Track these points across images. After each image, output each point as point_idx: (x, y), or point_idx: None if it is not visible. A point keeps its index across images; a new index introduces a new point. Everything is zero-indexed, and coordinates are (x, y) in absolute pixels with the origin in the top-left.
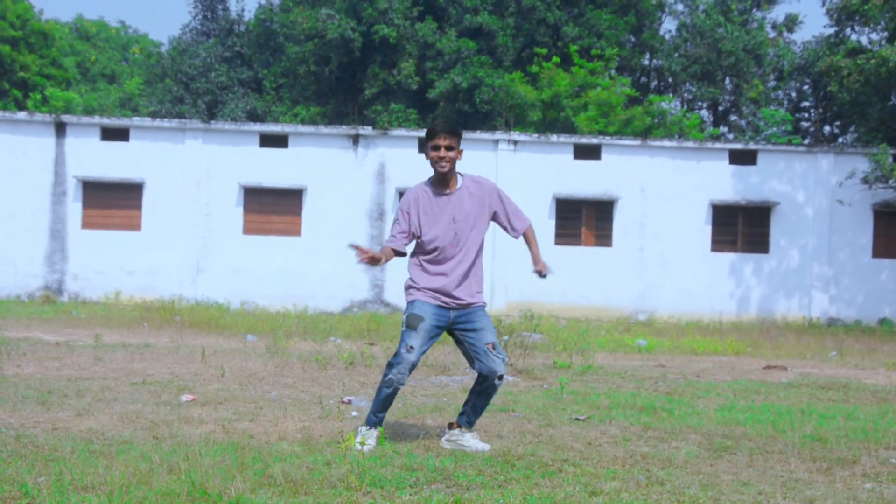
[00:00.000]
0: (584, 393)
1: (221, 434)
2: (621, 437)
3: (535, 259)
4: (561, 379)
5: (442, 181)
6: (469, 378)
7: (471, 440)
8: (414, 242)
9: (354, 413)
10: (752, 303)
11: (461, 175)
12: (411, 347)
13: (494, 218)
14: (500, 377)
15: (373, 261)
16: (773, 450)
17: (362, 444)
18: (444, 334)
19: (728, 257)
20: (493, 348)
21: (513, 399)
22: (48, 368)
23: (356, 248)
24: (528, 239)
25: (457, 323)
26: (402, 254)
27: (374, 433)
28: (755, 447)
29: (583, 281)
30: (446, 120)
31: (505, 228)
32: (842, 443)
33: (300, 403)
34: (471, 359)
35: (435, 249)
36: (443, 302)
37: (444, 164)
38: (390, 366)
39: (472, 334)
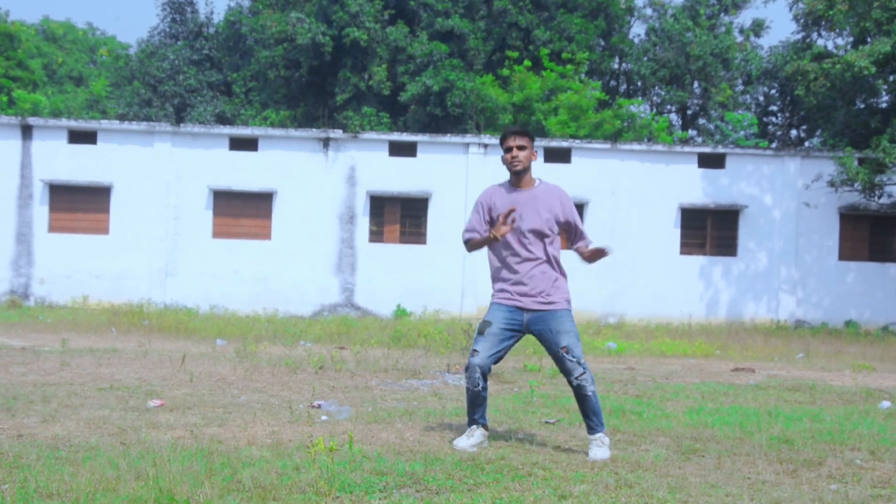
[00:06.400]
0: (554, 396)
1: (190, 439)
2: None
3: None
4: (531, 382)
5: (517, 181)
6: (440, 382)
7: (593, 449)
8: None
9: (324, 417)
10: (720, 305)
11: (538, 180)
12: (475, 351)
13: (564, 227)
14: (578, 377)
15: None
16: (740, 452)
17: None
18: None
19: (697, 260)
20: (567, 352)
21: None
22: (13, 374)
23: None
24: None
25: (532, 325)
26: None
27: (478, 430)
28: (723, 449)
29: None
30: (512, 125)
31: (569, 240)
32: (808, 444)
33: (270, 408)
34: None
35: (502, 245)
36: (517, 303)
37: (517, 163)
38: (465, 370)
39: (548, 336)
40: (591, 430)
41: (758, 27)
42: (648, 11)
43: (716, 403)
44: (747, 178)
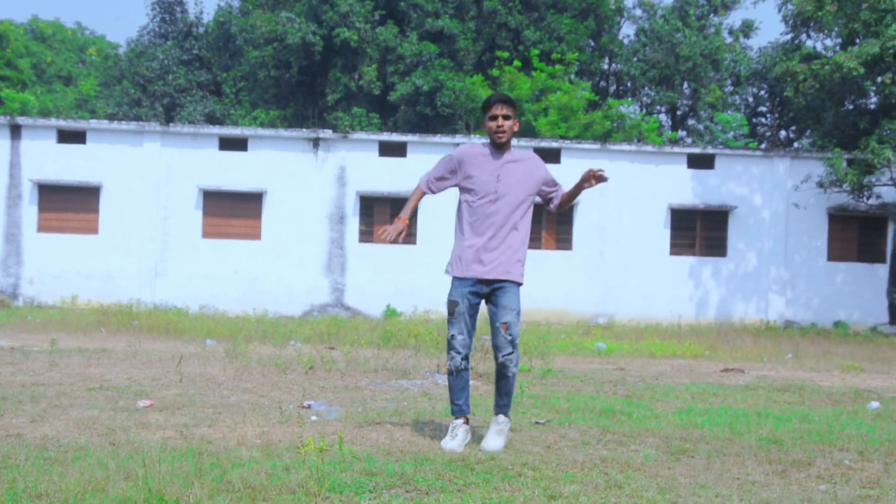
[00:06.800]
0: (544, 396)
1: (179, 440)
2: (580, 440)
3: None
4: (521, 383)
5: (499, 149)
6: (429, 382)
7: (488, 436)
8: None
9: (314, 418)
10: (710, 306)
11: (512, 148)
12: (453, 336)
13: (540, 192)
14: (506, 356)
15: (399, 233)
16: (730, 452)
17: (453, 438)
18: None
19: (687, 260)
20: (506, 328)
21: (472, 403)
22: (2, 374)
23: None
24: (567, 192)
25: (489, 295)
26: (432, 191)
27: (461, 426)
28: (712, 450)
29: (543, 284)
30: (497, 93)
31: (549, 201)
32: (797, 445)
33: (259, 408)
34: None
35: (473, 199)
36: (474, 274)
37: (501, 133)
38: (447, 352)
39: (494, 309)
40: (499, 409)
41: (747, 28)
42: (638, 12)
43: (705, 404)
44: (737, 178)
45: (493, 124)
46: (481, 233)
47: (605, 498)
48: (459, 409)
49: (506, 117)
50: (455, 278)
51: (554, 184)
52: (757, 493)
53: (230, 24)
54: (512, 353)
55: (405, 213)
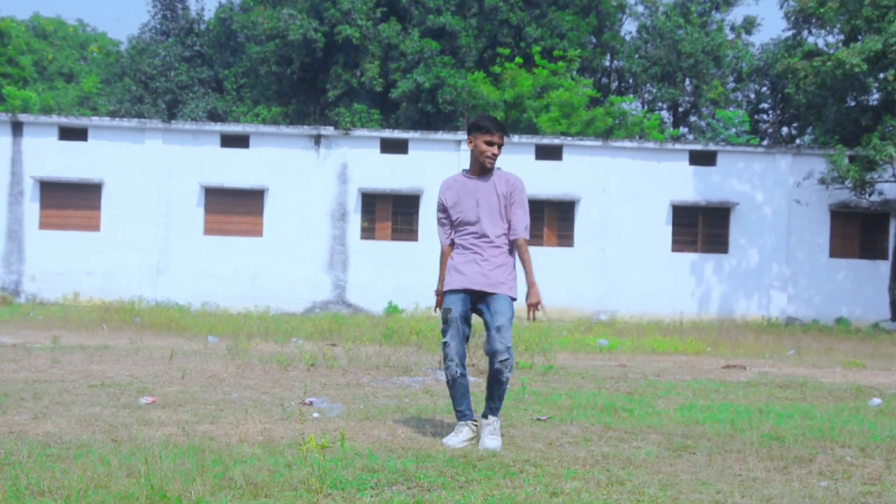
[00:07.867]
0: (546, 393)
1: (181, 436)
2: (582, 437)
3: (530, 286)
4: (522, 379)
5: (481, 171)
6: (431, 379)
7: (485, 437)
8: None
9: (316, 415)
10: (712, 302)
11: (496, 169)
12: (447, 343)
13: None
14: (502, 361)
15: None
16: (731, 449)
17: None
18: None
19: (688, 257)
20: (499, 332)
21: (474, 399)
22: (4, 371)
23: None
24: (521, 256)
25: (478, 302)
26: (453, 241)
27: (465, 428)
28: (714, 446)
29: (544, 281)
30: (495, 119)
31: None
32: (799, 441)
33: (261, 405)
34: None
35: (462, 226)
36: (466, 286)
37: (492, 161)
38: (444, 361)
39: (486, 315)
40: (491, 411)
41: (749, 25)
42: (640, 9)
43: (707, 400)
44: (738, 175)
45: (489, 150)
46: (470, 251)
47: (607, 494)
48: (462, 415)
49: (500, 146)
50: (446, 291)
51: (518, 221)
52: (758, 489)
53: (231, 21)
54: (507, 358)
55: (440, 285)
